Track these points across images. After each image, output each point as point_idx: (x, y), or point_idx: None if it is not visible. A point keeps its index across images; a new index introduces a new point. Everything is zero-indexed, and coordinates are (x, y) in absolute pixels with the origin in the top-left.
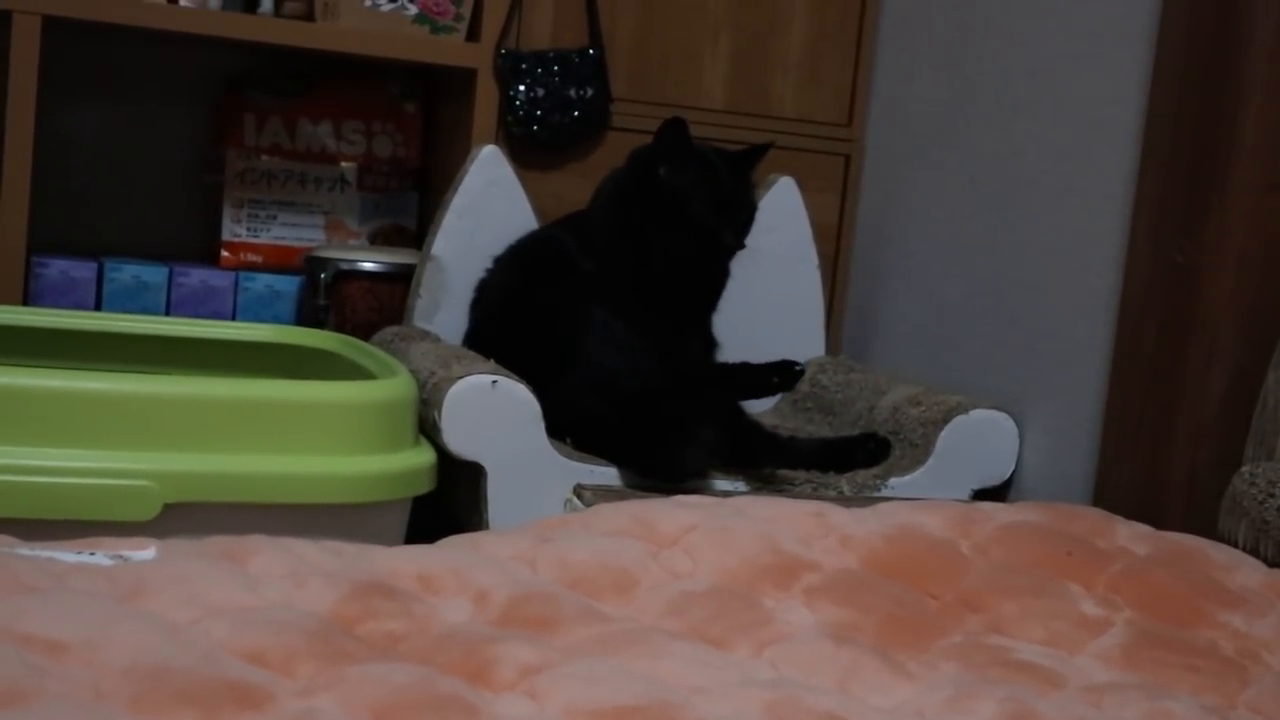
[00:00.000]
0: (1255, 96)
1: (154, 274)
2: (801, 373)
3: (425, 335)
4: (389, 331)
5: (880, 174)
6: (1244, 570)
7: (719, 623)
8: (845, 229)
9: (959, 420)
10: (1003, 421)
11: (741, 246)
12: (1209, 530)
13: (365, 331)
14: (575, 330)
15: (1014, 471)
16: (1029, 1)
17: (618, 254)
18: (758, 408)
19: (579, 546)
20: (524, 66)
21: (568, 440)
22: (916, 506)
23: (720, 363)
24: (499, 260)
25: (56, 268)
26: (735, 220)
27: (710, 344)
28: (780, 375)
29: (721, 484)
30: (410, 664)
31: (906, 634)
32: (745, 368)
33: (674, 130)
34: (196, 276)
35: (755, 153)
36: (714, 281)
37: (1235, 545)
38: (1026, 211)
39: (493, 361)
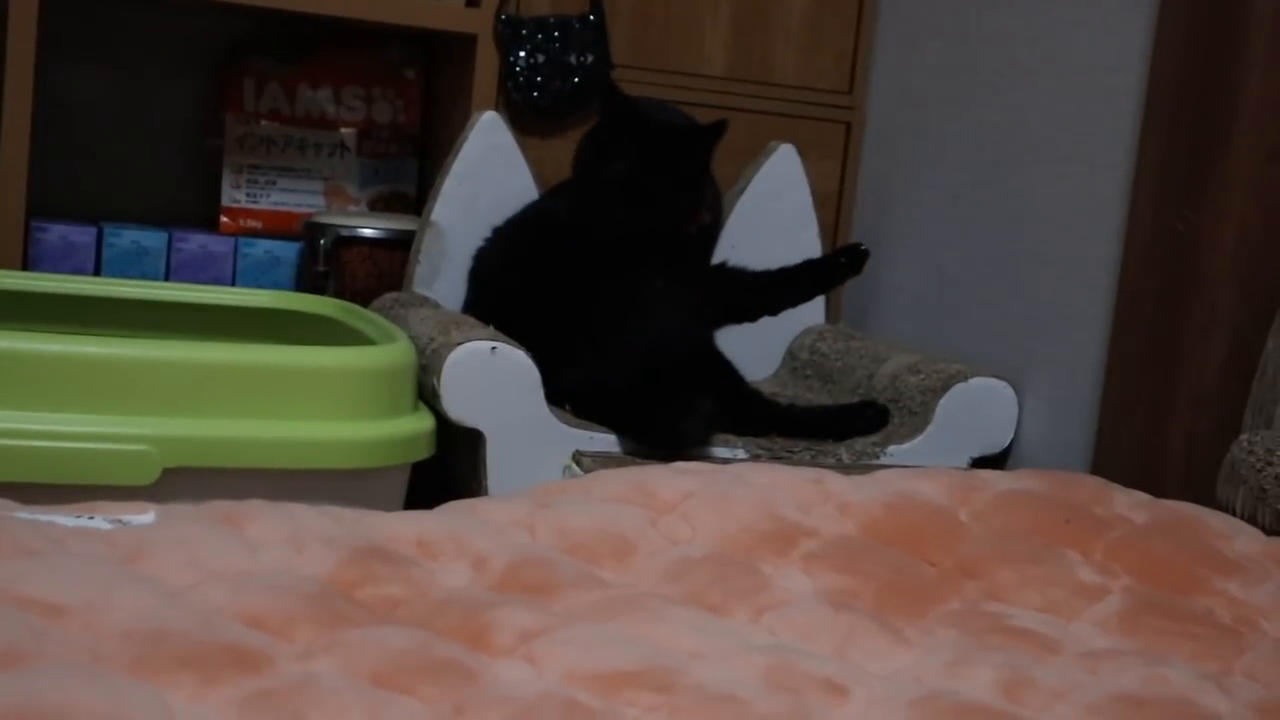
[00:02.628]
0: (1257, 65)
1: (153, 239)
2: (867, 253)
3: (425, 301)
4: (388, 297)
5: (881, 142)
6: (1242, 538)
7: (717, 588)
8: (846, 197)
9: (958, 388)
10: (1002, 389)
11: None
12: (1207, 498)
13: (365, 297)
14: (591, 301)
15: (1013, 439)
16: None
17: (593, 221)
18: (757, 374)
19: (578, 513)
20: (524, 32)
21: (567, 407)
22: (915, 474)
23: (778, 268)
24: (498, 231)
25: (56, 232)
26: (643, 203)
27: (717, 285)
28: (848, 256)
29: (721, 451)
30: (409, 628)
31: (904, 600)
32: (809, 263)
33: (605, 99)
34: (196, 242)
35: (715, 128)
36: (693, 242)
37: (1233, 513)
38: (1027, 179)
39: (492, 328)
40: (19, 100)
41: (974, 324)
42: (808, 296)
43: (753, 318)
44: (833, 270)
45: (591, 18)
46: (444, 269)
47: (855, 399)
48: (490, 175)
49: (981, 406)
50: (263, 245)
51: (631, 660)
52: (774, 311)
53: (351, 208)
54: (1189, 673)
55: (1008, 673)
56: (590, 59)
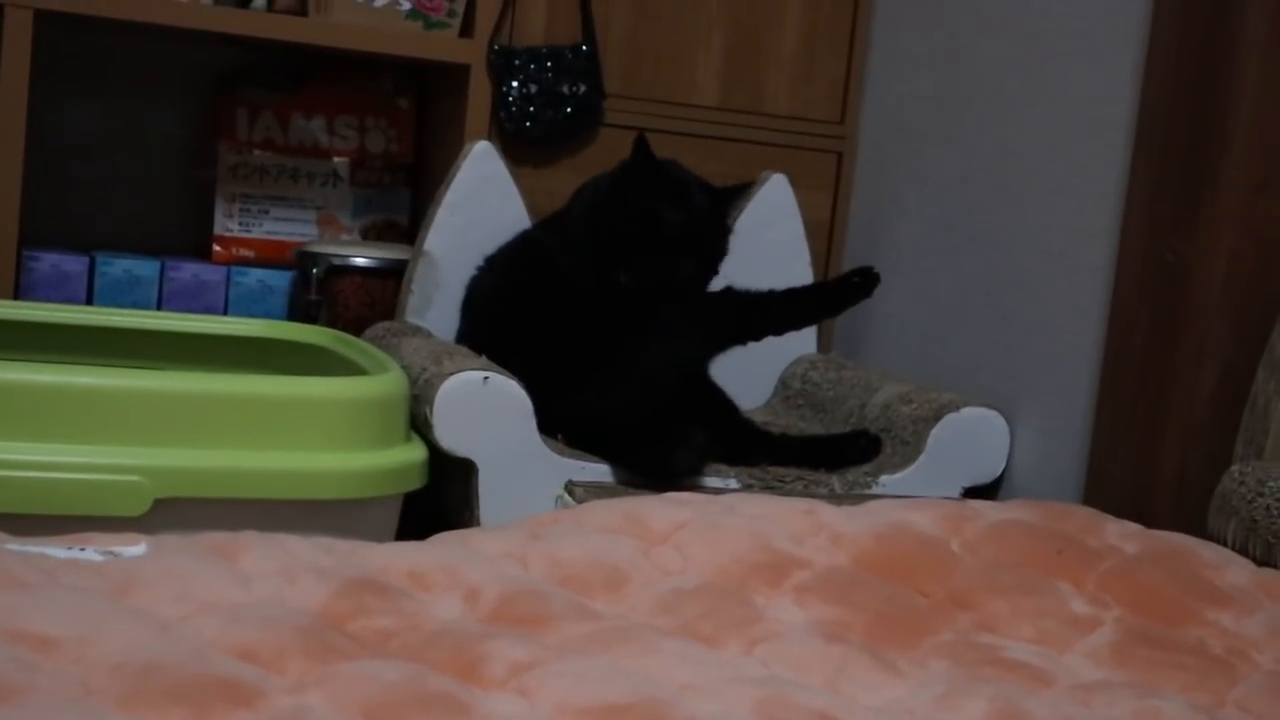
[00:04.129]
0: (1246, 96)
1: (146, 268)
2: (879, 277)
3: (417, 331)
4: (381, 327)
5: (872, 171)
6: (1233, 569)
7: (709, 620)
8: (837, 226)
9: (950, 418)
10: (994, 419)
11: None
12: (1199, 528)
13: (357, 327)
14: (585, 331)
15: (1005, 469)
16: (1021, 0)
17: (592, 257)
18: (749, 403)
19: (570, 544)
20: (517, 62)
21: (559, 437)
22: (907, 504)
23: (787, 289)
24: (490, 260)
25: (48, 261)
26: (697, 254)
27: (722, 307)
28: (861, 277)
29: (713, 481)
30: (401, 661)
31: (897, 632)
32: (820, 284)
33: (639, 150)
34: (188, 271)
35: (739, 190)
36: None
37: (1224, 544)
38: (1018, 210)
39: (484, 358)
40: (12, 129)
41: (966, 354)
42: (817, 318)
43: (757, 337)
44: (845, 291)
45: (584, 48)
46: (436, 298)
47: (847, 428)
48: (483, 205)
49: (973, 436)
50: (255, 274)
51: (623, 693)
52: (779, 331)
53: (344, 237)
54: (1181, 705)
55: (1000, 705)
56: (583, 89)
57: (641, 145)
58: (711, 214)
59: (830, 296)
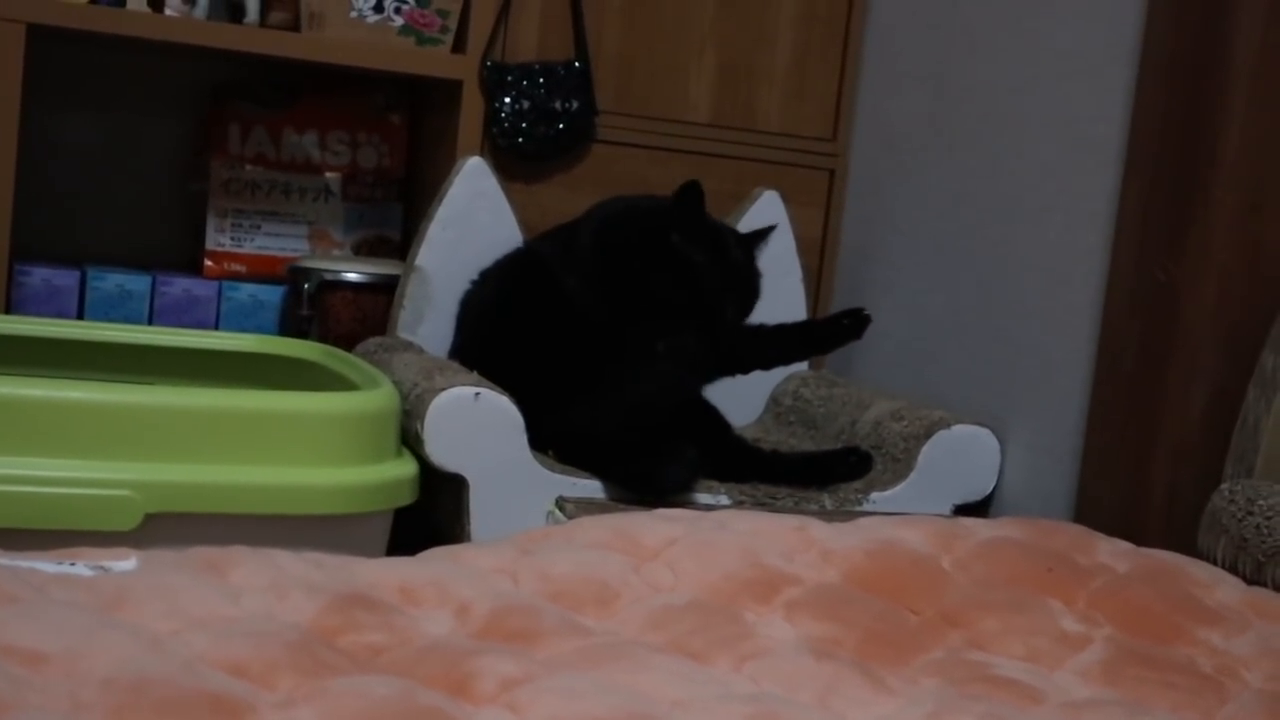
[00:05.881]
0: (1237, 116)
1: (137, 283)
2: (869, 319)
3: (408, 346)
4: (372, 342)
5: (864, 189)
6: (1223, 587)
7: (700, 636)
8: (829, 243)
9: (941, 435)
10: (984, 437)
11: (741, 322)
12: (1189, 547)
13: (348, 342)
14: (580, 349)
15: (995, 487)
16: (1013, 19)
17: (600, 284)
18: (740, 420)
19: (561, 559)
20: (510, 78)
21: (550, 453)
22: (898, 521)
23: (777, 325)
24: (484, 274)
25: (39, 275)
26: (740, 300)
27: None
28: (851, 319)
29: (704, 498)
30: (391, 676)
31: (887, 649)
32: (810, 322)
33: (691, 195)
34: (180, 285)
35: (762, 234)
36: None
37: (1214, 562)
38: (1009, 228)
39: (476, 373)
40: (3, 143)
41: (957, 371)
42: (805, 355)
43: (746, 371)
44: (834, 331)
45: (577, 64)
46: (428, 314)
47: (838, 445)
48: (475, 220)
49: (964, 453)
50: (246, 289)
51: (613, 709)
52: (768, 366)
53: (336, 252)
54: None
55: None
56: (575, 105)
57: (693, 193)
58: (747, 265)
59: (820, 336)
